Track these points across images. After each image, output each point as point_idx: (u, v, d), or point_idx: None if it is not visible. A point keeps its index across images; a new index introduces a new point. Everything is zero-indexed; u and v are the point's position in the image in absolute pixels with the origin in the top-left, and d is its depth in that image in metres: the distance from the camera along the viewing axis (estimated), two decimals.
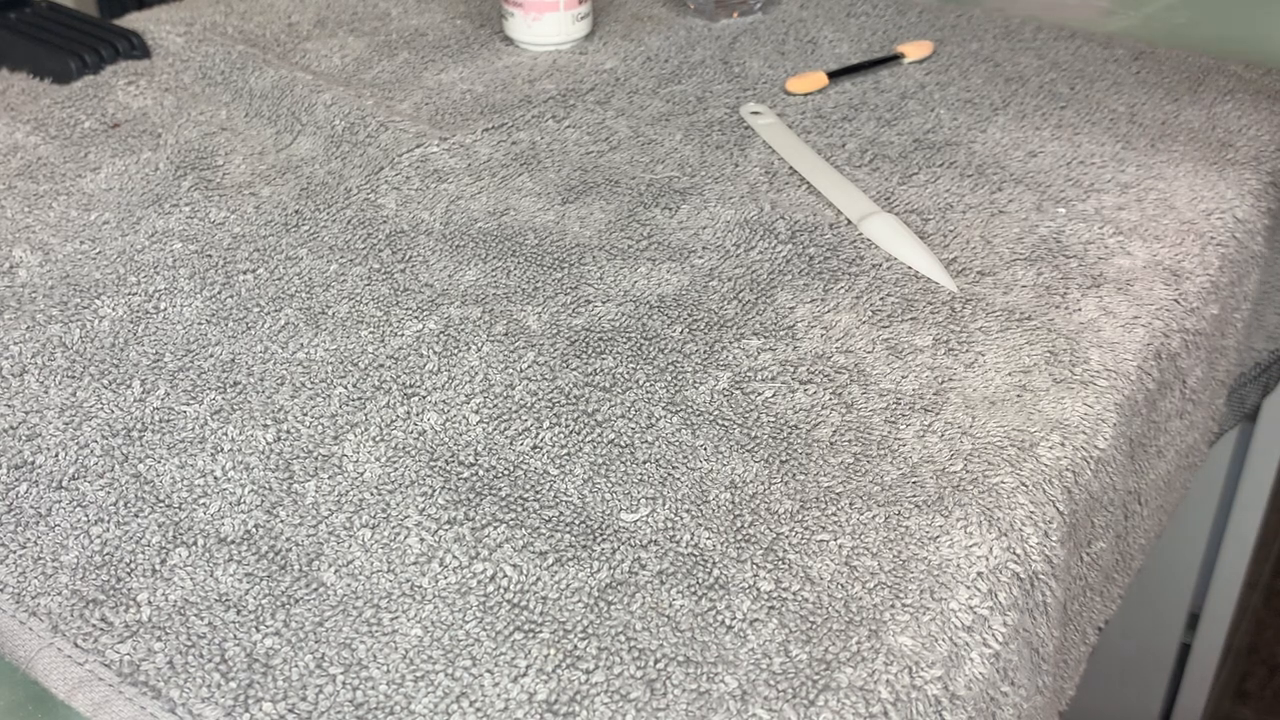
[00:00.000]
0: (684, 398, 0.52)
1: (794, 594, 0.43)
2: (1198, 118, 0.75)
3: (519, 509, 0.46)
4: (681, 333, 0.56)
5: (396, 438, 0.50)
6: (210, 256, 0.62)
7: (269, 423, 0.51)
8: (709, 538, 0.45)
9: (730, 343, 0.55)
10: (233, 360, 0.54)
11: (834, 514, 0.46)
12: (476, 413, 0.51)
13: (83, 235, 0.63)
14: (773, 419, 0.51)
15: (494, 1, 0.95)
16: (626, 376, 0.53)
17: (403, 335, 0.56)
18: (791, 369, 0.54)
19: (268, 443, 0.50)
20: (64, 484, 0.48)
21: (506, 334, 0.56)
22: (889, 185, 0.68)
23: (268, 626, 0.42)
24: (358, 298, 0.59)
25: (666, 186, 0.68)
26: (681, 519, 0.46)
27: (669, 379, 0.53)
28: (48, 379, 0.53)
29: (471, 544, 0.45)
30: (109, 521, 0.46)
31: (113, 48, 0.82)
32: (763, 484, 0.47)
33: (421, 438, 0.50)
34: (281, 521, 0.46)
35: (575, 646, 0.41)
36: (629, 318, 0.57)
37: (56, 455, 0.49)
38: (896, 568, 0.44)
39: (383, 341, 0.56)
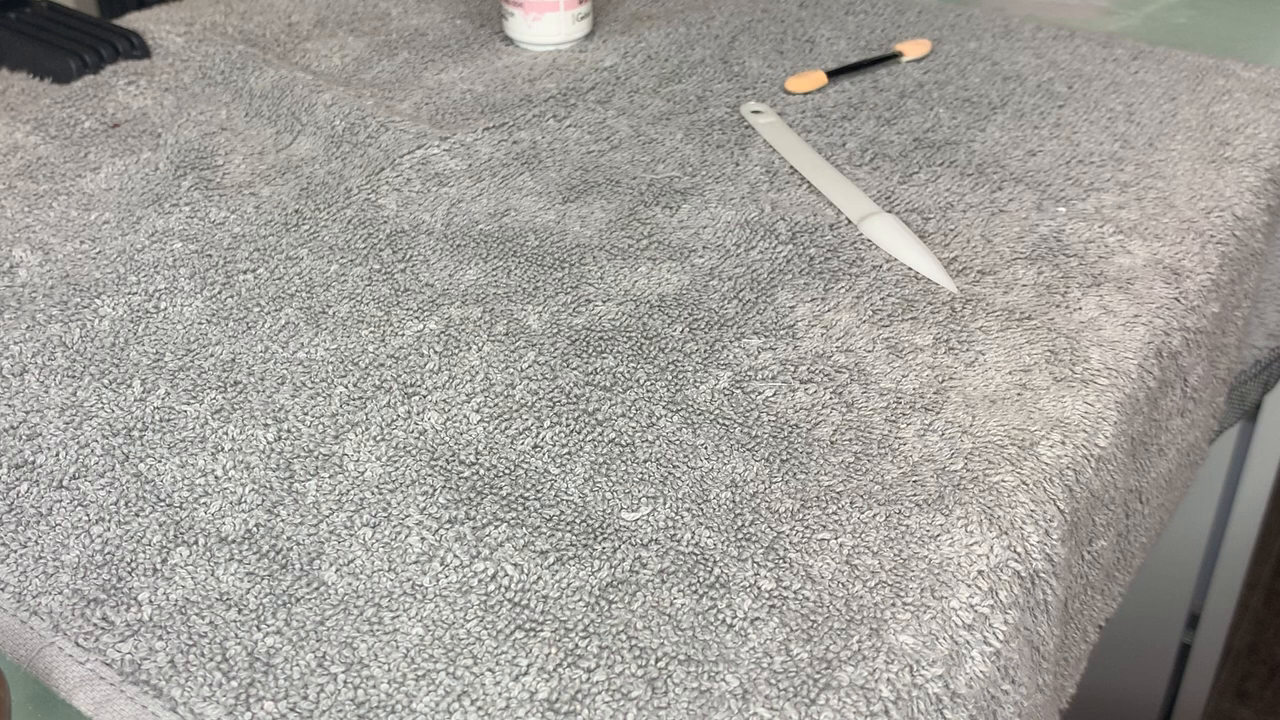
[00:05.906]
0: (684, 397, 0.52)
1: (795, 593, 0.43)
2: (1195, 116, 0.75)
3: (520, 508, 0.46)
4: (682, 332, 0.56)
5: (397, 437, 0.50)
6: (210, 256, 0.62)
7: (270, 422, 0.51)
8: (710, 536, 0.45)
9: (731, 342, 0.55)
10: (233, 360, 0.54)
11: (835, 513, 0.46)
12: (477, 412, 0.51)
13: (83, 235, 0.63)
14: (773, 418, 0.51)
15: (494, 1, 0.95)
16: (627, 376, 0.53)
17: (403, 335, 0.56)
18: (792, 368, 0.54)
19: (268, 442, 0.50)
20: (65, 483, 0.48)
21: (507, 333, 0.56)
22: (889, 184, 0.68)
23: (269, 625, 0.42)
24: (358, 297, 0.59)
25: (667, 186, 0.68)
26: (682, 518, 0.46)
27: (669, 378, 0.53)
28: (48, 378, 0.53)
29: (472, 543, 0.45)
30: (110, 521, 0.46)
31: (113, 48, 0.82)
32: (763, 483, 0.47)
33: (422, 437, 0.50)
34: (282, 521, 0.46)
35: (576, 645, 0.41)
36: (629, 317, 0.57)
37: (57, 455, 0.49)
38: (897, 566, 0.44)
39: (383, 341, 0.56)
